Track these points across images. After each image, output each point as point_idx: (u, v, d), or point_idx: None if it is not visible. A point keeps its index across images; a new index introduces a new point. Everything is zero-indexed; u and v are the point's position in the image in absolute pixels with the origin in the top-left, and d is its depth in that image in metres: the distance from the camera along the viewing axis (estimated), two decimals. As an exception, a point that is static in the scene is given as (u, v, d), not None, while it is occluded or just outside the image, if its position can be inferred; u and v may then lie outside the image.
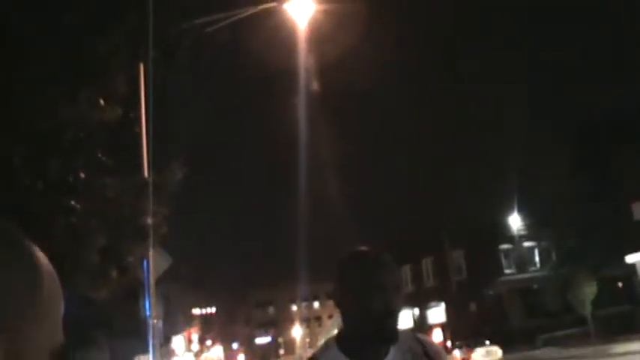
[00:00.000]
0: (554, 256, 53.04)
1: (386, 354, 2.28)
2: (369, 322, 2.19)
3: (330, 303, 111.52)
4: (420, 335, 2.47)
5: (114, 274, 11.94)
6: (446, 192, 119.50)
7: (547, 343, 44.82)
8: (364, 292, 2.20)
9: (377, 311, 2.17)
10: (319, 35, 18.42)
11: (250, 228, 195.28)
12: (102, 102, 9.63)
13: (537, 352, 41.57)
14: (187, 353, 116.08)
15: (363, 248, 2.33)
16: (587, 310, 42.88)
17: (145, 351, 16.11)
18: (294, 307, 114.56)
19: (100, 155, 10.67)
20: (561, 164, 50.30)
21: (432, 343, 2.47)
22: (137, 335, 15.64)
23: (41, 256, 1.04)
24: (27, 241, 1.02)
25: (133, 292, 14.67)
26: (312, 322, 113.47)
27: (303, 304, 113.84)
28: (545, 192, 49.29)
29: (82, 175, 10.15)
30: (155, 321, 14.13)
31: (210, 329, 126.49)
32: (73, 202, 9.86)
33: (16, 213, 8.23)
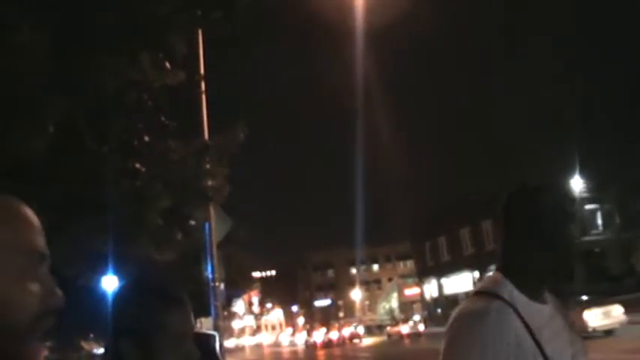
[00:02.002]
0: (617, 219, 52.09)
1: (546, 301, 2.16)
2: (568, 261, 2.09)
3: (390, 266, 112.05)
4: None
5: (179, 236, 12.06)
6: (506, 153, 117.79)
7: (610, 308, 44.08)
8: (562, 222, 2.09)
9: (571, 242, 2.09)
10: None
11: (310, 191, 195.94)
12: (168, 65, 9.64)
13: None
14: (248, 315, 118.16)
15: (545, 180, 2.25)
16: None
17: (207, 313, 16.31)
18: (354, 270, 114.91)
19: (163, 118, 10.71)
20: (626, 125, 49.07)
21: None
22: (199, 298, 15.83)
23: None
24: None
25: (195, 255, 14.82)
26: (371, 285, 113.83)
27: (362, 266, 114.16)
28: (608, 154, 48.23)
29: (146, 139, 10.21)
30: (217, 284, 14.25)
31: (270, 292, 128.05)
32: (138, 165, 9.94)
33: (84, 177, 8.34)
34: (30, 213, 1.21)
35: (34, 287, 1.13)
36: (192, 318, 2.01)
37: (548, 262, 2.09)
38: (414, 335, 61.58)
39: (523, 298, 2.05)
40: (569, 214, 2.11)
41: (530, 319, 2.00)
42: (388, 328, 72.09)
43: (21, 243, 1.14)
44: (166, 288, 2.00)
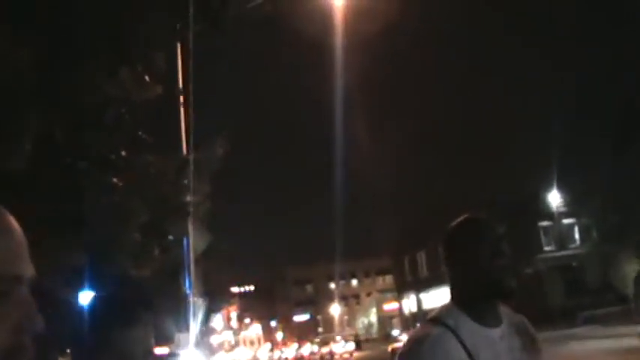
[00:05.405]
0: (594, 234, 52.33)
1: (500, 322, 2.35)
2: (492, 278, 2.28)
3: (369, 281, 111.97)
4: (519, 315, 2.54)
5: (156, 252, 11.98)
6: (482, 166, 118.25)
7: (587, 322, 44.23)
8: (484, 250, 2.30)
9: (499, 266, 2.28)
10: (357, 10, 18.25)
11: (289, 205, 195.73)
12: (147, 78, 9.60)
13: (577, 330, 40.97)
14: (226, 331, 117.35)
15: (471, 214, 2.48)
16: (629, 288, 42.27)
17: (186, 328, 16.23)
18: (333, 285, 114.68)
19: (141, 133, 10.65)
20: (603, 139, 49.40)
21: (530, 324, 2.55)
22: (177, 313, 15.73)
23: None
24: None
25: (174, 271, 14.76)
26: (350, 300, 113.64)
27: (341, 282, 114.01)
28: (587, 167, 48.51)
29: (124, 153, 10.15)
30: (195, 299, 14.19)
31: (249, 307, 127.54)
32: (115, 180, 9.86)
33: (60, 192, 8.26)
34: (12, 226, 1.03)
35: (5, 318, 0.97)
36: (151, 338, 2.01)
37: (477, 288, 2.33)
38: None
39: (469, 323, 2.29)
40: (493, 241, 2.35)
41: (472, 342, 2.24)
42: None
43: None
44: (120, 305, 2.01)
